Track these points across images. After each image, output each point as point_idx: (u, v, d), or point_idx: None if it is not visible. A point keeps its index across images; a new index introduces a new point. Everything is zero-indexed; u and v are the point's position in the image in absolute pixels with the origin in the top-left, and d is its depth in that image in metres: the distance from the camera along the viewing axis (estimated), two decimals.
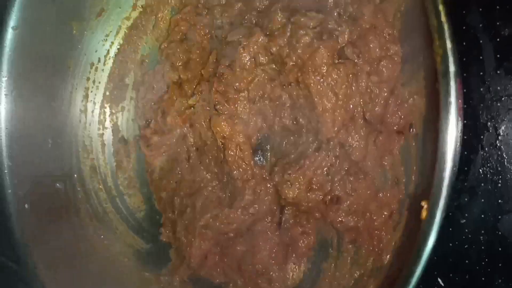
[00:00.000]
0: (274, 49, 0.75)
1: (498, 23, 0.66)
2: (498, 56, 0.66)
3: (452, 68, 0.46)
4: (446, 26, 0.46)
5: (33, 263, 0.76)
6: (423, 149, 0.65)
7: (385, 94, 0.70)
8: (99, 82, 0.92)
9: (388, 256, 0.68)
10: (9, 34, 0.77)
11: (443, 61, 0.46)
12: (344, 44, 0.71)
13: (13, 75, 0.78)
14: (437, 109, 0.52)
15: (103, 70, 0.92)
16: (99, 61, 0.91)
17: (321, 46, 0.70)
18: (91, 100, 0.92)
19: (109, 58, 0.93)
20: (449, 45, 0.46)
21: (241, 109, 0.79)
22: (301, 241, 0.78)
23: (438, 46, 0.46)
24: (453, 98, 0.46)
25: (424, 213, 0.48)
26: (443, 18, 0.46)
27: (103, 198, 0.91)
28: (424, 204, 0.48)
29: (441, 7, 0.46)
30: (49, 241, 0.80)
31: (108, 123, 0.94)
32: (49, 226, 0.81)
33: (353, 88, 0.71)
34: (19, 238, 0.77)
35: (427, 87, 0.64)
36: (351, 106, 0.71)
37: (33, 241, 0.77)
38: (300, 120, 0.76)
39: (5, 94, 0.78)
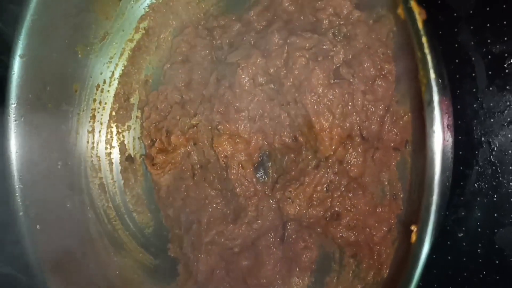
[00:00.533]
0: (272, 70, 0.77)
1: (489, 41, 0.67)
2: (490, 73, 0.67)
3: (436, 97, 0.47)
4: (429, 57, 0.47)
5: (46, 281, 0.78)
6: (419, 165, 0.67)
7: (381, 112, 0.71)
8: (105, 103, 0.95)
9: (387, 270, 0.69)
10: (17, 62, 0.80)
11: (427, 91, 0.48)
12: (339, 64, 0.73)
13: (22, 101, 0.81)
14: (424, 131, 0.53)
15: (108, 91, 0.95)
16: (104, 82, 0.94)
17: (316, 67, 0.72)
18: (98, 121, 0.95)
19: (114, 80, 0.95)
20: (432, 75, 0.47)
21: (242, 128, 0.81)
22: (304, 255, 0.79)
23: (423, 76, 0.48)
24: (437, 127, 0.47)
25: (413, 237, 0.49)
26: (426, 50, 0.47)
27: (112, 215, 0.94)
28: (413, 228, 0.50)
29: (424, 39, 0.47)
30: (60, 259, 0.82)
31: (115, 142, 0.97)
32: (60, 245, 0.84)
33: (349, 107, 0.72)
34: (33, 257, 0.79)
35: (416, 107, 0.66)
36: (348, 124, 0.73)
37: (45, 260, 0.80)
38: (299, 138, 0.77)
39: (14, 120, 0.80)
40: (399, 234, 0.68)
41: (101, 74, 0.94)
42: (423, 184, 0.50)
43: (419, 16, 0.49)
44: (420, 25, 0.48)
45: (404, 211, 0.68)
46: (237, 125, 0.81)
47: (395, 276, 0.64)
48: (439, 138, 0.48)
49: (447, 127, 0.51)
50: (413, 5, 0.49)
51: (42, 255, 0.80)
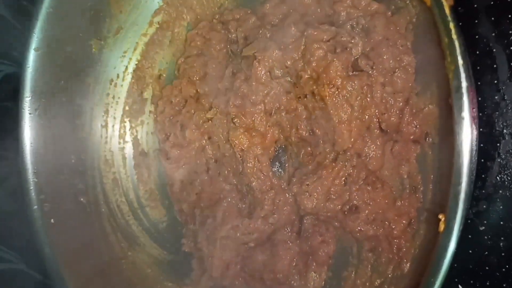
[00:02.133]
0: (288, 62, 0.76)
1: (510, 32, 0.66)
2: None
3: (464, 84, 0.47)
4: (457, 44, 0.47)
5: (60, 276, 0.78)
6: (440, 157, 0.66)
7: (400, 104, 0.71)
8: (119, 98, 0.95)
9: (408, 264, 0.69)
10: (31, 55, 0.80)
11: (455, 77, 0.47)
12: (357, 56, 0.72)
13: (36, 94, 0.80)
14: (451, 121, 0.53)
15: (122, 85, 0.95)
16: (118, 77, 0.94)
17: (335, 59, 0.71)
18: (112, 115, 0.94)
19: (128, 74, 0.95)
20: (460, 61, 0.47)
21: (258, 121, 0.80)
22: (321, 249, 0.79)
23: (450, 62, 0.47)
24: (466, 113, 0.47)
25: (442, 226, 0.49)
26: (454, 35, 0.47)
27: (125, 210, 0.93)
28: (441, 217, 0.49)
29: (451, 25, 0.47)
30: (75, 254, 0.82)
31: (128, 137, 0.96)
32: (74, 239, 0.83)
33: (368, 99, 0.72)
34: (47, 252, 0.79)
35: (441, 97, 0.65)
36: (367, 116, 0.72)
37: (59, 255, 0.79)
38: (317, 131, 0.77)
39: (29, 113, 0.80)
40: (421, 227, 0.67)
41: (114, 68, 0.93)
42: (450, 173, 0.50)
43: (446, 2, 0.48)
44: (447, 10, 0.48)
45: (426, 205, 0.67)
46: (253, 118, 0.80)
47: (418, 269, 0.63)
48: (468, 125, 0.47)
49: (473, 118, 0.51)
50: None
51: (56, 250, 0.79)
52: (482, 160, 0.68)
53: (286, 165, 0.82)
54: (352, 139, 0.73)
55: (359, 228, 0.74)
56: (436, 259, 0.49)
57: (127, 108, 0.95)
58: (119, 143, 0.95)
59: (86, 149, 0.90)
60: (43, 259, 0.79)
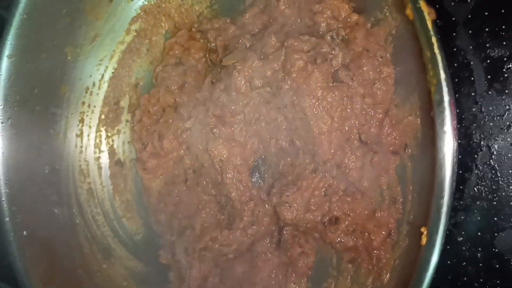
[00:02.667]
0: (269, 72, 0.76)
1: (487, 45, 0.67)
2: (489, 77, 0.67)
3: (446, 98, 0.47)
4: (439, 58, 0.47)
5: None
6: (419, 169, 0.67)
7: (380, 115, 0.71)
8: (94, 106, 0.93)
9: (387, 275, 0.69)
10: (4, 63, 0.78)
11: (437, 91, 0.47)
12: (337, 67, 0.72)
13: (9, 103, 0.78)
14: (432, 132, 0.53)
15: (98, 94, 0.93)
16: (94, 85, 0.92)
17: (315, 70, 0.71)
18: (87, 124, 0.93)
19: (104, 82, 0.93)
20: (443, 75, 0.47)
21: (237, 131, 0.80)
22: (301, 260, 0.78)
23: (432, 76, 0.48)
24: (448, 127, 0.47)
25: (424, 239, 0.49)
26: (436, 50, 0.47)
27: (101, 222, 0.92)
28: (424, 230, 0.49)
29: (433, 39, 0.47)
30: (48, 267, 0.80)
31: (104, 146, 0.95)
32: (48, 252, 0.81)
33: (348, 110, 0.72)
34: (19, 265, 0.77)
35: (421, 108, 0.65)
36: (347, 128, 0.72)
37: (32, 268, 0.77)
38: (297, 142, 0.77)
39: (1, 122, 0.78)
40: (400, 238, 0.67)
41: (90, 76, 0.92)
42: (432, 186, 0.50)
43: (429, 16, 0.49)
44: (430, 25, 0.48)
45: (406, 217, 0.68)
46: (232, 129, 0.80)
47: (399, 280, 0.63)
48: (450, 139, 0.47)
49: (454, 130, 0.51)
50: (423, 5, 0.49)
51: (29, 263, 0.77)
52: (460, 172, 0.69)
53: (266, 175, 0.82)
54: (332, 150, 0.73)
55: (339, 239, 0.74)
56: (418, 272, 0.49)
57: (103, 117, 0.94)
58: (95, 152, 0.94)
59: (61, 159, 0.88)
60: (15, 273, 0.76)
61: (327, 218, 0.74)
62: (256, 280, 0.80)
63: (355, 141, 0.73)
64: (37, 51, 0.81)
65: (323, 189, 0.74)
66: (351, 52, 0.72)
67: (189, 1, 0.91)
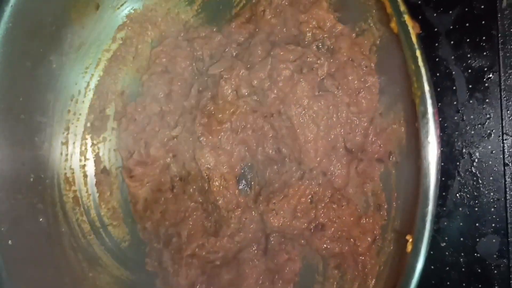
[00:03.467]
0: (255, 81, 0.77)
1: (468, 55, 0.69)
2: (470, 86, 0.69)
3: (430, 110, 0.48)
4: (423, 70, 0.48)
5: None
6: (403, 176, 0.68)
7: (365, 124, 0.73)
8: (80, 114, 0.93)
9: (373, 281, 0.70)
10: None
11: (421, 103, 0.49)
12: (323, 77, 0.73)
13: None
14: (416, 140, 0.54)
15: (83, 102, 0.93)
16: (79, 93, 0.92)
17: (301, 79, 0.72)
18: (72, 132, 0.92)
19: (89, 90, 0.93)
20: (427, 87, 0.48)
21: (224, 140, 0.80)
22: (287, 267, 0.79)
23: (417, 88, 0.49)
24: (432, 138, 0.48)
25: (409, 247, 0.50)
26: (421, 63, 0.48)
27: (86, 230, 0.91)
28: (409, 238, 0.51)
29: (418, 53, 0.48)
30: (34, 276, 0.79)
31: (89, 154, 0.94)
32: (33, 261, 0.81)
33: (334, 119, 0.73)
34: (4, 274, 0.76)
35: (404, 118, 0.67)
36: (333, 136, 0.74)
37: (18, 277, 0.77)
38: (283, 150, 0.78)
39: None
40: (385, 244, 0.69)
41: (75, 84, 0.91)
42: (417, 194, 0.51)
43: (413, 30, 0.50)
44: (414, 38, 0.49)
45: (390, 223, 0.69)
46: (219, 137, 0.80)
47: (385, 286, 0.64)
48: (434, 149, 0.49)
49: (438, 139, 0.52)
50: (407, 19, 0.50)
51: (14, 273, 0.76)
52: (443, 179, 0.71)
53: (252, 183, 0.83)
54: (318, 158, 0.74)
55: (325, 245, 0.75)
56: (404, 278, 0.50)
57: (88, 124, 0.94)
58: (80, 160, 0.93)
59: (46, 167, 0.87)
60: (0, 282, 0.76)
61: (313, 225, 0.75)
62: (243, 287, 0.80)
63: (341, 149, 0.74)
64: (22, 59, 0.81)
65: (309, 196, 0.76)
66: (336, 62, 0.73)
67: (175, 10, 0.91)
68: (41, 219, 0.84)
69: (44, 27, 0.82)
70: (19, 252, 0.78)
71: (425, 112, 0.49)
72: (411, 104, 0.55)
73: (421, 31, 0.50)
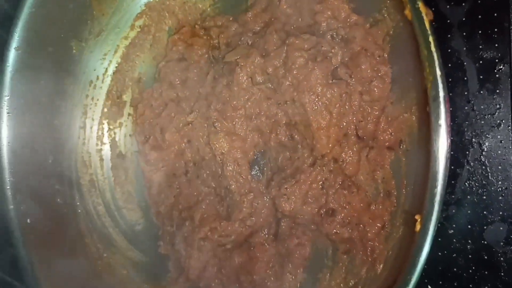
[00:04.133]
0: (270, 69, 0.79)
1: (480, 47, 0.70)
2: (481, 77, 0.70)
3: (441, 93, 0.50)
4: (435, 56, 0.50)
5: (35, 276, 0.78)
6: (414, 163, 0.70)
7: (377, 112, 0.74)
8: (98, 99, 0.95)
9: (381, 266, 0.71)
10: (12, 54, 0.79)
11: (433, 87, 0.50)
12: (337, 65, 0.75)
13: (16, 94, 0.80)
14: (426, 128, 0.56)
15: (101, 87, 0.95)
16: (97, 79, 0.94)
17: (315, 67, 0.74)
18: (90, 117, 0.94)
19: (107, 76, 0.95)
20: (438, 72, 0.50)
21: (238, 126, 0.82)
22: (297, 252, 0.81)
23: (429, 73, 0.50)
24: (442, 121, 0.50)
25: (418, 226, 0.52)
26: (433, 48, 0.50)
27: (102, 212, 0.93)
28: (418, 218, 0.52)
29: (431, 38, 0.50)
30: (50, 254, 0.82)
31: (106, 139, 0.97)
32: (49, 240, 0.83)
33: (347, 106, 0.75)
34: (22, 252, 0.78)
35: (416, 106, 0.68)
36: (345, 123, 0.75)
37: (34, 255, 0.79)
38: (296, 136, 0.79)
39: (7, 113, 0.80)
40: (394, 230, 0.70)
41: (94, 70, 0.94)
42: (426, 177, 0.53)
43: (426, 16, 0.52)
44: (427, 24, 0.51)
45: (400, 208, 0.71)
46: (234, 123, 0.82)
47: (392, 270, 0.66)
48: (444, 132, 0.50)
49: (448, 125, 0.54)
50: (421, 6, 0.52)
51: (32, 249, 0.79)
52: (452, 167, 0.72)
53: (265, 169, 0.84)
54: (330, 145, 0.76)
55: (334, 231, 0.76)
56: (412, 257, 0.52)
57: (105, 110, 0.96)
58: (97, 144, 0.96)
59: (64, 150, 0.90)
60: (18, 259, 0.78)
61: (324, 210, 0.77)
62: (253, 271, 0.82)
63: (352, 137, 0.76)
64: (44, 44, 0.83)
65: (321, 182, 0.77)
66: (350, 51, 0.75)
67: None
68: (58, 200, 0.86)
69: (65, 14, 0.85)
70: (37, 230, 0.81)
71: (436, 96, 0.50)
72: (422, 92, 0.57)
73: (433, 21, 0.51)
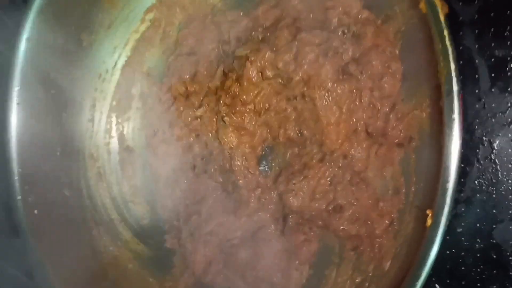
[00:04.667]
0: (280, 64, 0.79)
1: (492, 45, 0.70)
2: (493, 75, 0.70)
3: (455, 88, 0.50)
4: (450, 49, 0.50)
5: (43, 266, 0.78)
6: (424, 160, 0.69)
7: (387, 109, 0.74)
8: (106, 93, 0.95)
9: (388, 263, 0.71)
10: (23, 45, 0.80)
11: (447, 81, 0.50)
12: (348, 61, 0.75)
13: (25, 85, 0.80)
14: (438, 125, 0.56)
15: (110, 80, 0.95)
16: (107, 72, 0.94)
17: (326, 63, 0.74)
18: (99, 110, 0.94)
19: (117, 69, 0.96)
20: (453, 66, 0.49)
21: (247, 120, 0.82)
22: (304, 248, 0.81)
23: (443, 67, 0.50)
24: (456, 115, 0.50)
25: (429, 221, 0.51)
26: (447, 41, 0.50)
27: (108, 205, 0.93)
28: (429, 212, 0.52)
29: (445, 32, 0.50)
30: (57, 245, 0.82)
31: (114, 132, 0.97)
32: (56, 231, 0.83)
33: (357, 102, 0.74)
34: (30, 243, 0.79)
35: (426, 103, 0.68)
36: (354, 119, 0.75)
37: (42, 246, 0.79)
38: (305, 132, 0.79)
39: (17, 103, 0.80)
40: (402, 227, 0.70)
41: (104, 63, 0.94)
42: (438, 173, 0.53)
43: (441, 10, 0.51)
44: (442, 18, 0.51)
45: (408, 206, 0.70)
46: (243, 118, 0.82)
47: (400, 268, 0.66)
48: (457, 126, 0.50)
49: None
50: None
51: (39, 241, 0.79)
52: (462, 165, 0.71)
53: (273, 164, 0.84)
54: (339, 141, 0.76)
55: (342, 227, 0.76)
56: (422, 252, 0.51)
57: (114, 103, 0.96)
58: (105, 138, 0.96)
59: (72, 142, 0.90)
60: (26, 250, 0.78)
61: (332, 206, 0.77)
62: (259, 266, 0.82)
63: (362, 133, 0.76)
64: (54, 36, 0.83)
65: (329, 178, 0.77)
66: (361, 47, 0.75)
67: None
68: (66, 192, 0.86)
69: (76, 6, 0.85)
70: (44, 222, 0.81)
71: (450, 90, 0.50)
72: (434, 88, 0.56)
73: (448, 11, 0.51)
